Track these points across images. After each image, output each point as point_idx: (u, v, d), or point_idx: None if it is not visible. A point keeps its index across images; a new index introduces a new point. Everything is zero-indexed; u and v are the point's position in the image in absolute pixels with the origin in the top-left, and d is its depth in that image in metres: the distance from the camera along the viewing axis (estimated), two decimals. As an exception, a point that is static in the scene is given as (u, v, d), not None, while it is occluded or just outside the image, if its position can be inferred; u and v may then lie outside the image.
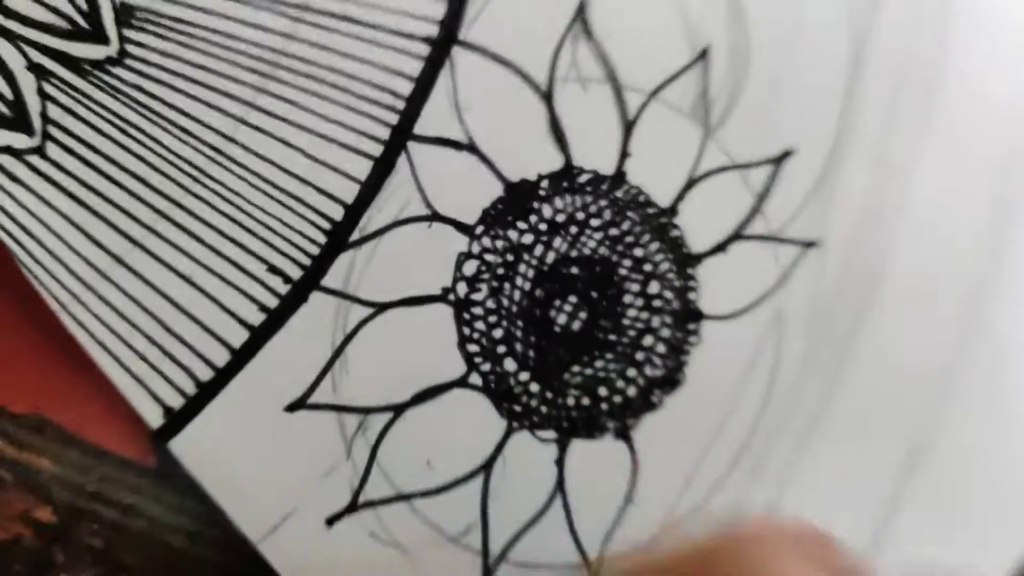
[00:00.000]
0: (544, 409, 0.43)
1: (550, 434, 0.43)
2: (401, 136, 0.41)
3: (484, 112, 0.42)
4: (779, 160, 0.43)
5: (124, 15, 0.40)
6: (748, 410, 0.44)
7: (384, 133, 0.41)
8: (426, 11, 0.41)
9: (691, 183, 0.43)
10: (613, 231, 0.43)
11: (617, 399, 0.43)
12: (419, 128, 0.42)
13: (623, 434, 0.44)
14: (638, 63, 0.42)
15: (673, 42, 0.42)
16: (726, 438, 0.43)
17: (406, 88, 0.41)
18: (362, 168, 0.42)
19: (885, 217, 0.43)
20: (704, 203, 0.43)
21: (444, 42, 0.41)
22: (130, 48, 0.40)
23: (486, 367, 0.42)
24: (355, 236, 0.42)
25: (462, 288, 0.42)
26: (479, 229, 0.42)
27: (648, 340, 0.44)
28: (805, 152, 0.43)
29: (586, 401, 0.43)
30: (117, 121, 0.40)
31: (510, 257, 0.43)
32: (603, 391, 0.43)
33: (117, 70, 0.40)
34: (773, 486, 0.43)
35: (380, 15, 0.41)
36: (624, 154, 0.43)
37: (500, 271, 0.43)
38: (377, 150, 0.42)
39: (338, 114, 0.41)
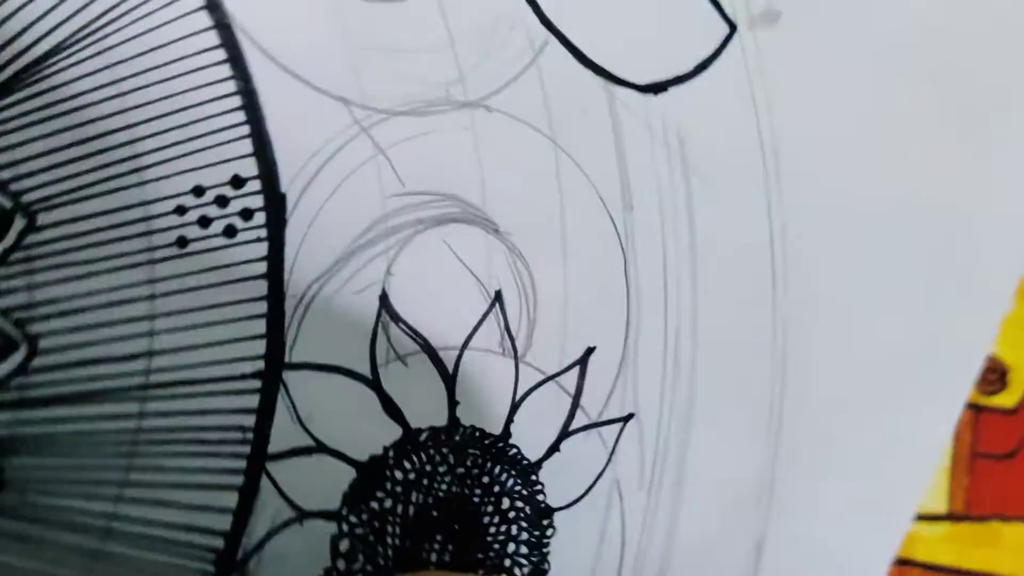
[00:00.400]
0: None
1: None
2: (257, 461, 0.44)
3: (324, 415, 0.45)
4: (584, 359, 0.49)
5: None
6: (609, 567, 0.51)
7: (241, 464, 0.44)
8: (249, 351, 0.43)
9: (516, 406, 0.48)
10: (460, 470, 0.48)
11: (500, 602, 0.49)
12: (272, 447, 0.44)
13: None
14: (446, 328, 0.46)
15: (472, 297, 0.46)
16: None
17: (250, 421, 0.44)
18: (231, 499, 0.44)
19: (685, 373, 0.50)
20: (530, 418, 0.48)
21: (273, 371, 0.44)
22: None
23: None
24: (240, 555, 0.44)
25: (341, 564, 0.46)
26: (344, 511, 0.46)
27: (512, 547, 0.49)
28: (603, 346, 0.49)
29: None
30: None
31: (376, 524, 0.47)
32: (486, 601, 0.49)
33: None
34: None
35: (214, 372, 0.43)
36: (453, 403, 0.47)
37: (371, 538, 0.47)
38: (239, 480, 0.44)
39: (200, 463, 0.43)
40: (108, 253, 0.42)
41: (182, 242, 0.42)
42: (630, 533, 0.51)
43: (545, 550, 0.50)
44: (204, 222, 0.42)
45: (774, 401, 0.51)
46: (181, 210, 0.42)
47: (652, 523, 0.51)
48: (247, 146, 0.43)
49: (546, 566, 0.50)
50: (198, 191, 0.42)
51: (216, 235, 0.43)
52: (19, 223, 0.40)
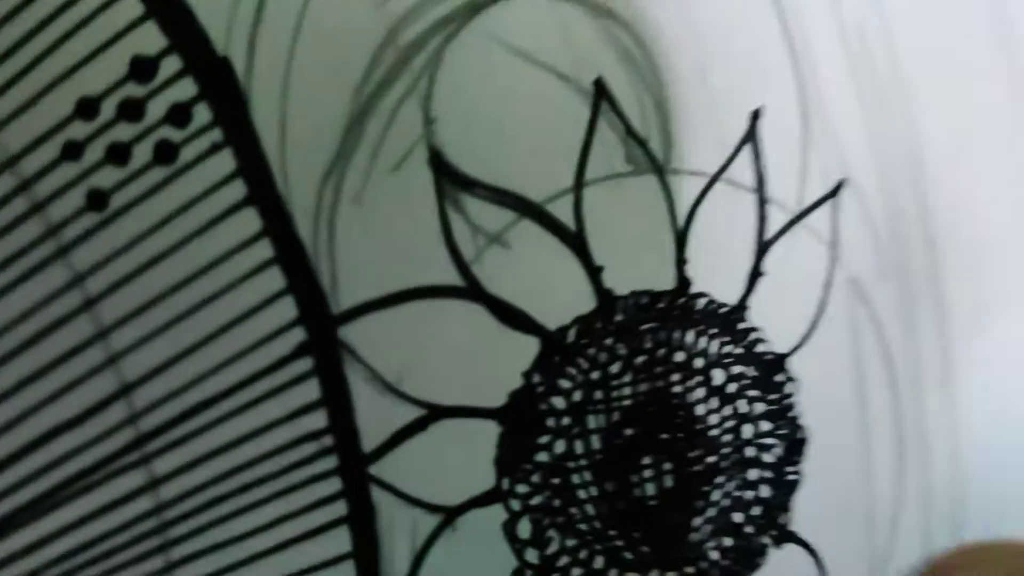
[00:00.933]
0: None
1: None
2: (353, 471, 0.28)
3: (420, 365, 0.29)
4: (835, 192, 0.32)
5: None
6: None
7: (334, 486, 0.28)
8: (272, 320, 0.27)
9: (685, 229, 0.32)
10: (638, 358, 0.32)
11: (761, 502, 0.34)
12: (365, 443, 0.28)
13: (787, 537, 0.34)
14: (537, 167, 0.29)
15: (552, 102, 0.29)
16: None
17: (320, 419, 0.28)
18: (340, 540, 0.28)
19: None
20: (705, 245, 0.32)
21: (322, 333, 0.28)
22: None
23: None
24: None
25: (531, 554, 0.31)
26: (504, 483, 0.30)
27: (747, 430, 0.33)
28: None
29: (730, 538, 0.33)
30: None
31: (556, 480, 0.31)
32: (738, 516, 0.33)
33: None
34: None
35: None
36: (595, 272, 0.31)
37: (556, 503, 0.31)
38: (340, 508, 0.28)
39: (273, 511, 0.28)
40: None
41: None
42: (886, 335, 0.35)
43: (791, 413, 0.34)
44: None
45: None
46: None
47: (909, 315, 0.35)
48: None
49: (800, 433, 0.34)
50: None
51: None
52: None
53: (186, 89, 0.26)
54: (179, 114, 0.26)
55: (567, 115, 0.30)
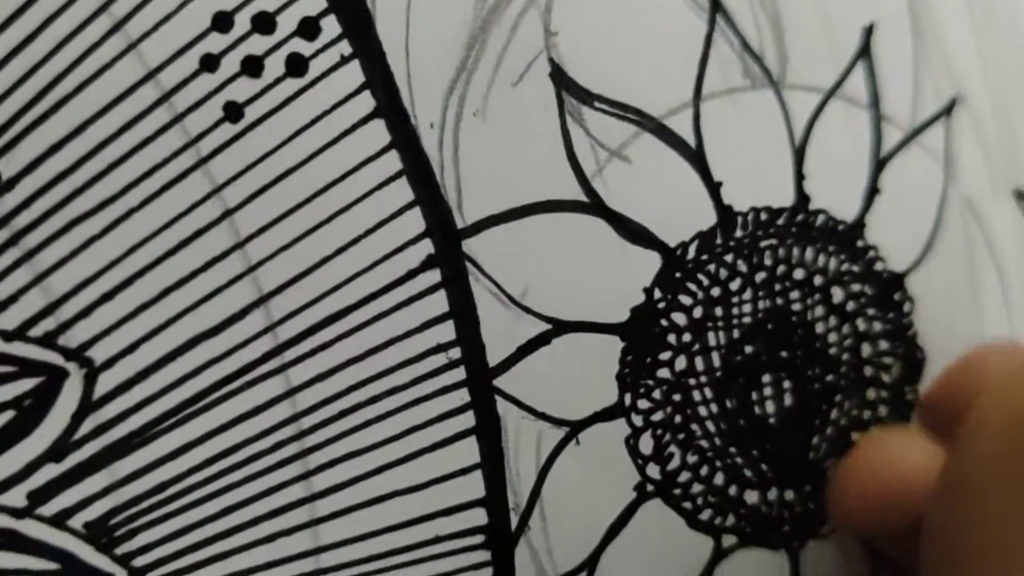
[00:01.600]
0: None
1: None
2: (481, 384, 0.28)
3: (545, 280, 0.29)
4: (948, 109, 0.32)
5: None
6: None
7: (462, 397, 0.28)
8: (399, 234, 0.27)
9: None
10: (759, 275, 0.32)
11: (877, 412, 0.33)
12: (491, 357, 0.29)
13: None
14: (663, 82, 0.29)
15: (678, 21, 0.29)
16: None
17: (448, 332, 0.28)
18: (469, 451, 0.29)
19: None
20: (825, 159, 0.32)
21: (449, 246, 0.28)
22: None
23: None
24: (516, 521, 0.29)
25: (654, 470, 0.31)
26: (626, 399, 0.30)
27: (867, 349, 0.33)
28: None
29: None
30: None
31: (677, 396, 0.31)
32: (856, 436, 0.33)
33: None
34: None
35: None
36: (715, 188, 0.31)
37: (678, 420, 0.31)
38: (468, 419, 0.29)
39: (405, 419, 0.28)
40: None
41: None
42: (1001, 254, 0.34)
43: (910, 332, 0.33)
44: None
45: None
46: None
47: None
48: None
49: (920, 353, 0.34)
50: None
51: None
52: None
53: (315, 3, 0.26)
54: (309, 27, 0.26)
55: (685, 29, 0.30)
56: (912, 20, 0.33)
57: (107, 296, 0.25)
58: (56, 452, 0.25)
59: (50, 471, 0.25)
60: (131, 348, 0.25)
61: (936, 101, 0.33)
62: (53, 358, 0.25)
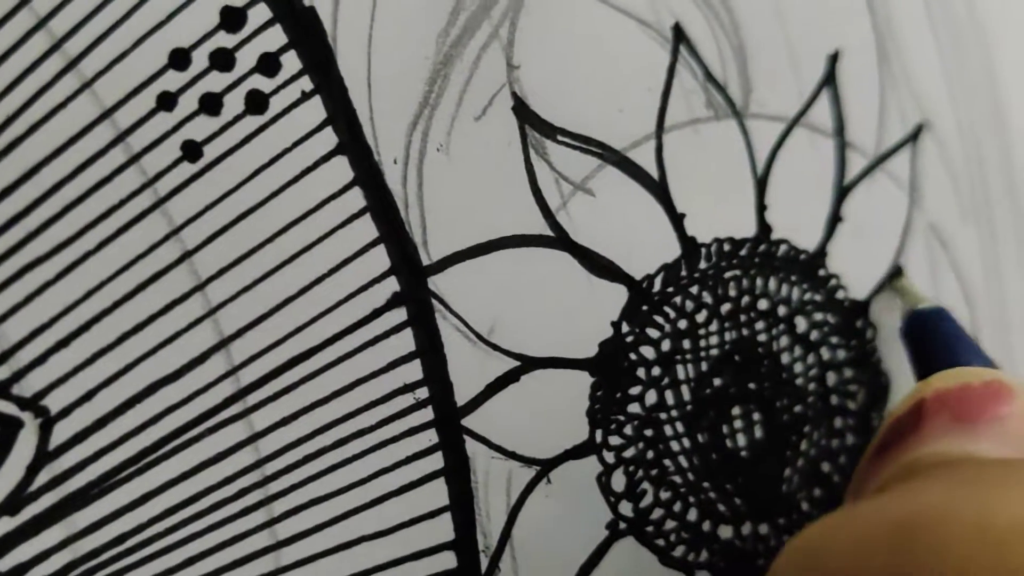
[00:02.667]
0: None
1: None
2: (447, 424, 0.28)
3: (511, 317, 0.29)
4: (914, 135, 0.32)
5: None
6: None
7: (429, 437, 0.28)
8: (366, 270, 0.27)
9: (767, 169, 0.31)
10: (723, 306, 0.31)
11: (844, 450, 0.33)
12: (459, 395, 0.28)
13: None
14: (623, 117, 0.29)
15: (639, 53, 0.29)
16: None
17: (414, 371, 0.28)
18: (436, 493, 0.28)
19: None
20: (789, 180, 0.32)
21: (415, 283, 0.27)
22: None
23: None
24: (486, 562, 0.29)
25: (627, 507, 0.30)
26: (597, 435, 0.30)
27: (831, 378, 0.33)
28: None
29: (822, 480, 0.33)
30: None
31: (648, 431, 0.31)
32: (826, 466, 0.33)
33: None
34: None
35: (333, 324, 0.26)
36: (678, 220, 0.30)
37: (650, 455, 0.31)
38: (436, 461, 0.28)
39: (375, 461, 0.27)
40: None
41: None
42: (968, 278, 0.34)
43: (874, 358, 0.33)
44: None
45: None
46: None
47: (990, 259, 0.34)
48: None
49: (883, 379, 0.34)
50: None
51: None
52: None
53: (275, 39, 0.26)
54: (268, 63, 0.26)
55: (647, 60, 0.30)
56: (878, 47, 0.33)
57: (62, 343, 0.24)
58: (11, 505, 0.24)
59: (5, 524, 0.24)
60: (88, 396, 0.25)
61: (902, 127, 0.33)
62: (7, 408, 0.24)
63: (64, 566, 0.25)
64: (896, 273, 0.33)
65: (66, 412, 0.25)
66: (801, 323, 0.32)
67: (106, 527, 0.25)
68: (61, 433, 0.25)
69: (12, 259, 0.24)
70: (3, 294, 0.24)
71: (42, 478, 0.24)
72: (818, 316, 0.33)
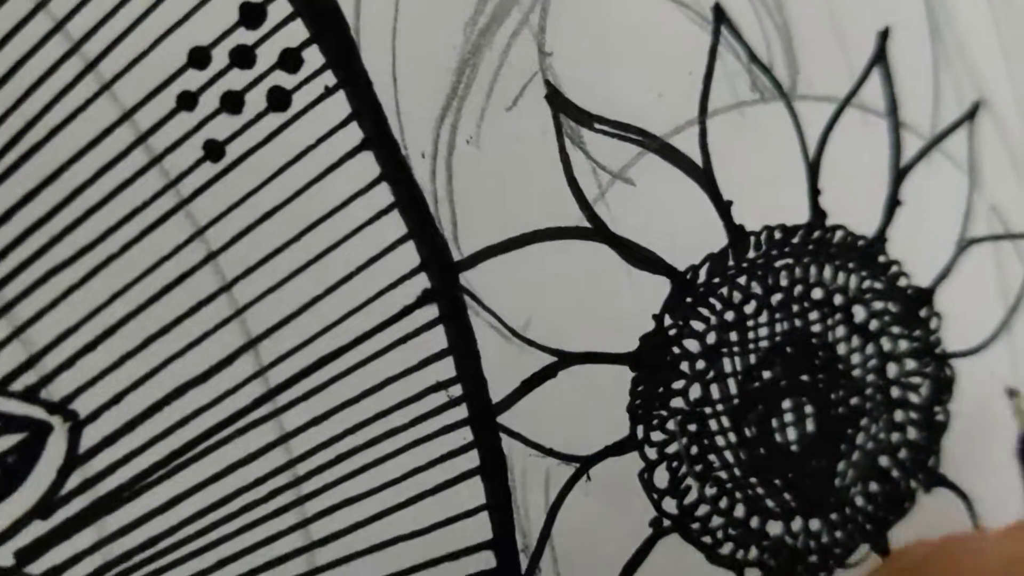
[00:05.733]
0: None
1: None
2: (484, 422, 0.27)
3: (546, 312, 0.28)
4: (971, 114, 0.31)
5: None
6: None
7: (464, 436, 0.27)
8: (395, 268, 0.26)
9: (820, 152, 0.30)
10: (775, 296, 0.30)
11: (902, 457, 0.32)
12: (493, 393, 0.28)
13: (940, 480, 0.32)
14: (664, 101, 0.28)
15: (678, 36, 0.28)
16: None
17: (447, 368, 0.27)
18: (474, 492, 0.28)
19: None
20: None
21: (447, 280, 0.27)
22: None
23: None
24: (527, 562, 0.28)
25: (672, 505, 0.30)
26: (639, 431, 0.29)
27: (892, 369, 0.32)
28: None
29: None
30: None
31: (692, 426, 0.30)
32: (885, 460, 0.32)
33: None
34: None
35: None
36: (724, 208, 0.29)
37: (694, 450, 0.30)
38: (472, 459, 0.28)
39: (406, 461, 0.27)
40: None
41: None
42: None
43: (938, 350, 0.32)
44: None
45: None
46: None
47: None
48: None
49: (949, 371, 0.32)
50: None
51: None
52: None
53: (296, 34, 0.25)
54: (290, 59, 0.25)
55: (687, 43, 0.29)
56: (930, 21, 0.31)
57: (89, 346, 0.24)
58: (43, 509, 0.24)
59: (37, 528, 0.24)
60: (116, 399, 0.25)
61: (958, 106, 0.32)
62: (36, 412, 0.24)
63: (96, 569, 0.25)
64: (1012, 393, 0.32)
65: (95, 416, 0.24)
66: (859, 312, 0.31)
67: (138, 530, 0.25)
68: (90, 437, 0.25)
69: (37, 263, 0.24)
70: (29, 299, 0.24)
71: (73, 481, 0.24)
72: (878, 305, 0.31)
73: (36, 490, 0.24)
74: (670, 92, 0.28)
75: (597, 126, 0.28)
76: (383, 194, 0.26)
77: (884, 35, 0.30)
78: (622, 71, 0.28)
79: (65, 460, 0.24)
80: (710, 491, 0.30)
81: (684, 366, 0.29)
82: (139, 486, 0.25)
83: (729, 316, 0.30)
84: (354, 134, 0.26)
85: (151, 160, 0.24)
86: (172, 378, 0.25)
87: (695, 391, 0.29)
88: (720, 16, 0.29)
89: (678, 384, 0.29)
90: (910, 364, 0.32)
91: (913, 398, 0.32)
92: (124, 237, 0.24)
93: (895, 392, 0.32)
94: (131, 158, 0.24)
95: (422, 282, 0.27)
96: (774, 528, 0.30)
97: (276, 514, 0.26)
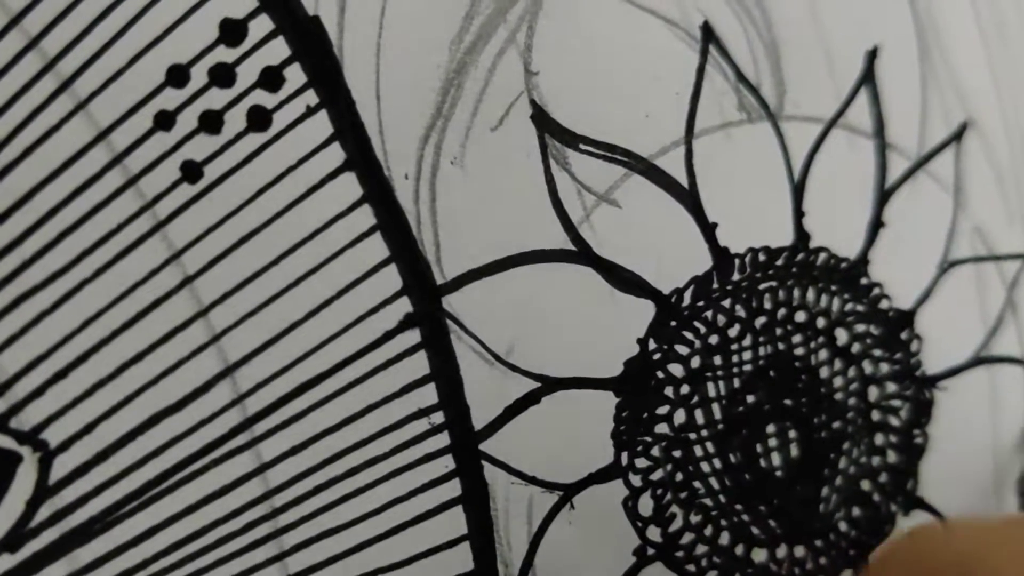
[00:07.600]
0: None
1: None
2: (466, 449, 0.27)
3: (529, 336, 0.27)
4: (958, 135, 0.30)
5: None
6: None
7: (446, 464, 0.27)
8: (376, 292, 0.26)
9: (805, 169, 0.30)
10: (758, 319, 0.30)
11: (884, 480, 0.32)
12: (476, 419, 0.27)
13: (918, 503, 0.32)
14: (650, 120, 0.28)
15: (664, 55, 0.28)
16: None
17: (429, 394, 0.26)
18: (454, 522, 0.27)
19: None
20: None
21: (429, 303, 0.26)
22: None
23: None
24: (502, 592, 0.28)
25: (656, 534, 0.29)
26: (635, 458, 0.29)
27: (874, 391, 0.31)
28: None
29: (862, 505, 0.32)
30: None
31: (676, 452, 0.29)
32: (866, 484, 0.31)
33: None
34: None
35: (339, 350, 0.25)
36: (709, 229, 0.29)
37: (679, 477, 0.29)
38: (453, 488, 0.27)
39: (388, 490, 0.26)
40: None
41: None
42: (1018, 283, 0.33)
43: (918, 372, 0.32)
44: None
45: None
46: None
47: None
48: None
49: (927, 393, 0.32)
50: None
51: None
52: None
53: (278, 52, 0.25)
54: (271, 77, 0.24)
55: (675, 62, 0.28)
56: (919, 41, 0.31)
57: (61, 374, 0.23)
58: (11, 542, 0.23)
59: (5, 562, 0.23)
60: (88, 428, 0.24)
61: (946, 126, 0.32)
62: (4, 442, 0.23)
63: (67, 604, 0.24)
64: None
65: (66, 446, 0.24)
66: (842, 335, 0.31)
67: (110, 563, 0.24)
68: (61, 467, 0.24)
69: (8, 288, 0.23)
70: (-2, 325, 0.23)
71: (43, 514, 0.24)
72: (860, 327, 0.31)
73: (4, 522, 0.23)
74: (657, 112, 0.28)
75: (583, 146, 0.27)
76: (365, 216, 0.25)
77: (872, 55, 0.30)
78: (609, 91, 0.27)
79: (35, 491, 0.24)
80: (695, 518, 0.29)
81: (668, 391, 0.29)
82: (112, 518, 0.24)
83: (713, 340, 0.29)
84: (336, 154, 0.25)
85: (127, 181, 0.24)
86: (146, 406, 0.24)
87: (679, 416, 0.29)
88: (708, 35, 0.28)
89: (662, 409, 0.29)
90: (890, 387, 0.32)
91: (893, 421, 0.32)
92: (98, 261, 0.24)
93: (876, 416, 0.31)
94: (106, 179, 0.23)
95: (404, 306, 0.26)
96: (759, 556, 0.30)
97: (253, 547, 0.25)
